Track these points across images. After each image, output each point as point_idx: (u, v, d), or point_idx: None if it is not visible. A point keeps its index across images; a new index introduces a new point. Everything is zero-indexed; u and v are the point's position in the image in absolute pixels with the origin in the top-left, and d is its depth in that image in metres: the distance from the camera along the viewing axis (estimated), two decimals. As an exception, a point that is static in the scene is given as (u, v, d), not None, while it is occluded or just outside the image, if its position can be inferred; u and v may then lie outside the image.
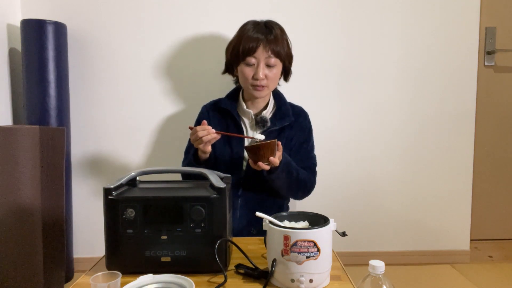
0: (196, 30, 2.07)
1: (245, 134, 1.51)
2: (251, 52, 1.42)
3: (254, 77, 1.44)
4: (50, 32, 1.88)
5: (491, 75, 2.29)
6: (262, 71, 1.43)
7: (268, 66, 1.45)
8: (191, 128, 1.33)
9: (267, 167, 1.27)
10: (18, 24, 1.94)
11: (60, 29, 1.92)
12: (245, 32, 1.46)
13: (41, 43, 1.86)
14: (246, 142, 1.51)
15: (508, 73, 2.30)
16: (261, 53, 1.43)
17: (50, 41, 1.88)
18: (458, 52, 2.17)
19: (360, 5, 2.11)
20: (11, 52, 1.99)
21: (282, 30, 1.51)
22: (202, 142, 1.29)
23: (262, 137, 1.39)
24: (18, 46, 1.98)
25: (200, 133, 1.27)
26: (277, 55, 1.44)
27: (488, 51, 2.25)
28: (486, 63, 2.27)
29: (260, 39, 1.42)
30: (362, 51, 2.14)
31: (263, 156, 1.24)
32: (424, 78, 2.18)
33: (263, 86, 1.45)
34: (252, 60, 1.43)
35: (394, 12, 2.13)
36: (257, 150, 1.24)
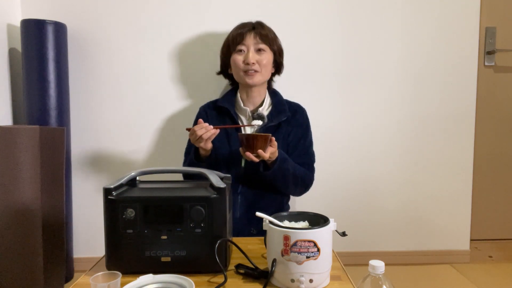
0: (196, 30, 2.07)
1: (242, 130, 1.52)
2: (240, 39, 1.52)
3: (245, 62, 1.50)
4: (50, 32, 1.88)
5: (491, 75, 2.29)
6: (253, 55, 1.50)
7: (258, 50, 1.52)
8: (188, 130, 1.34)
9: (255, 159, 1.28)
10: (18, 24, 1.94)
11: (60, 29, 1.92)
12: (234, 28, 1.58)
13: (41, 43, 1.86)
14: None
15: (508, 73, 2.30)
16: (249, 39, 1.52)
17: (50, 41, 1.88)
18: (458, 52, 2.16)
19: (360, 4, 2.11)
20: (11, 52, 1.99)
21: (270, 29, 1.60)
22: (202, 140, 1.30)
23: (259, 122, 1.43)
24: (18, 46, 1.98)
25: (199, 132, 1.29)
26: (265, 39, 1.53)
27: (488, 51, 2.25)
28: (486, 63, 2.27)
29: (247, 26, 1.54)
30: (362, 51, 2.14)
31: (254, 146, 1.26)
32: (424, 78, 2.18)
33: (255, 71, 1.51)
34: (241, 47, 1.52)
35: (394, 12, 2.12)
36: (248, 140, 1.26)
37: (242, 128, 1.53)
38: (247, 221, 1.47)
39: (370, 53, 2.14)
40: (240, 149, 1.31)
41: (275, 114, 1.53)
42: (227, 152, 1.50)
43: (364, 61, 2.14)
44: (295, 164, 1.47)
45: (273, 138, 1.31)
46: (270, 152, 1.30)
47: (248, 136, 1.26)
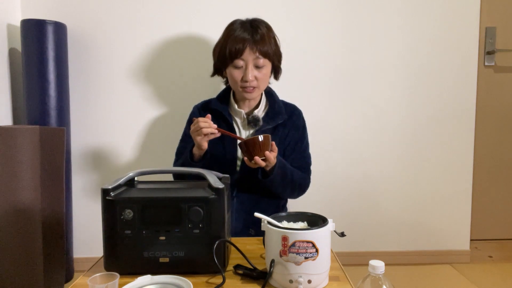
0: (195, 30, 2.07)
1: (238, 134, 1.49)
2: (239, 54, 1.39)
3: (243, 79, 1.41)
4: (50, 32, 1.88)
5: (491, 75, 2.29)
6: (251, 73, 1.40)
7: (257, 67, 1.41)
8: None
9: (263, 163, 1.25)
10: (18, 24, 1.94)
11: (60, 29, 1.92)
12: (231, 33, 1.42)
13: (41, 43, 1.86)
14: None
15: (508, 73, 2.29)
16: (249, 55, 1.39)
17: (50, 41, 1.88)
18: (458, 52, 2.16)
19: (359, 3, 2.11)
20: (11, 52, 1.99)
21: (268, 27, 1.47)
22: (201, 134, 1.27)
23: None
24: (18, 46, 1.98)
25: (202, 124, 1.26)
26: (265, 55, 1.41)
27: (488, 51, 2.25)
28: (486, 63, 2.27)
29: (247, 40, 1.38)
30: (362, 50, 2.14)
31: (258, 151, 1.23)
32: (424, 78, 2.18)
33: (253, 88, 1.43)
34: (240, 62, 1.40)
35: (394, 12, 2.12)
36: (252, 145, 1.23)
37: (235, 133, 1.49)
38: (243, 223, 1.45)
39: (370, 53, 2.14)
40: (245, 159, 1.27)
41: (271, 117, 1.49)
42: (221, 155, 1.47)
43: (364, 60, 2.14)
44: (293, 169, 1.44)
45: (274, 143, 1.28)
46: (273, 156, 1.27)
47: (251, 141, 1.23)
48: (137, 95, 2.10)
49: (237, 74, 1.42)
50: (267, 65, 1.44)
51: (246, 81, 1.41)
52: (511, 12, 2.25)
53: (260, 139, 1.22)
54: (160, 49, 2.08)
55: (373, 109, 2.17)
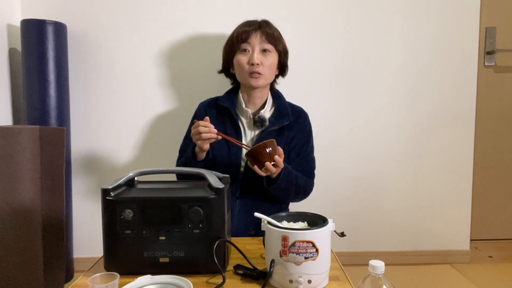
0: (196, 29, 2.07)
1: (242, 134, 1.49)
2: (245, 37, 1.45)
3: (250, 62, 1.45)
4: (50, 32, 1.88)
5: (491, 75, 2.29)
6: (257, 56, 1.44)
7: (263, 50, 1.47)
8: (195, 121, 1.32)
9: (274, 169, 1.24)
10: (18, 24, 1.94)
11: (60, 29, 1.92)
12: (239, 25, 1.52)
13: (41, 43, 1.86)
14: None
15: (508, 73, 2.29)
16: (255, 39, 1.45)
17: (50, 41, 1.88)
18: (458, 52, 2.16)
19: (360, 4, 2.11)
20: (11, 52, 1.99)
21: (276, 28, 1.54)
22: (201, 139, 1.27)
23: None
24: (18, 46, 1.98)
25: (201, 129, 1.26)
26: (271, 39, 1.47)
27: (488, 51, 2.25)
28: (486, 63, 2.27)
29: (253, 25, 1.47)
30: (362, 50, 2.13)
31: (268, 157, 1.22)
32: (424, 78, 2.17)
33: (259, 74, 1.45)
34: (246, 46, 1.46)
35: (394, 12, 2.12)
36: (260, 153, 1.21)
37: (243, 137, 1.48)
38: (245, 225, 1.45)
39: (370, 53, 2.14)
40: (254, 168, 1.25)
41: (277, 118, 1.49)
42: (225, 156, 1.47)
43: (365, 61, 2.14)
44: (297, 174, 1.43)
45: (279, 147, 1.27)
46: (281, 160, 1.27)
47: (257, 149, 1.21)
48: (137, 95, 2.10)
49: (243, 58, 1.47)
50: (273, 52, 1.49)
51: (252, 64, 1.44)
52: (511, 12, 2.25)
53: (267, 146, 1.21)
54: (160, 49, 2.08)
55: (373, 109, 2.17)
